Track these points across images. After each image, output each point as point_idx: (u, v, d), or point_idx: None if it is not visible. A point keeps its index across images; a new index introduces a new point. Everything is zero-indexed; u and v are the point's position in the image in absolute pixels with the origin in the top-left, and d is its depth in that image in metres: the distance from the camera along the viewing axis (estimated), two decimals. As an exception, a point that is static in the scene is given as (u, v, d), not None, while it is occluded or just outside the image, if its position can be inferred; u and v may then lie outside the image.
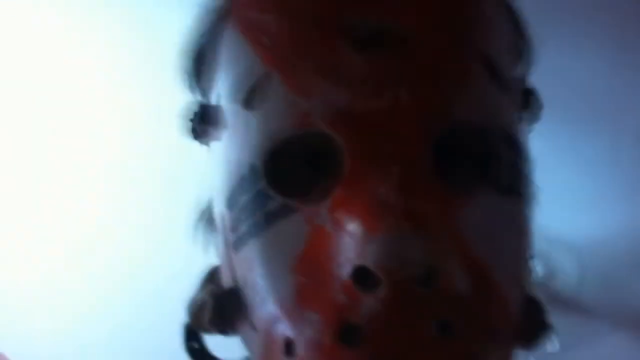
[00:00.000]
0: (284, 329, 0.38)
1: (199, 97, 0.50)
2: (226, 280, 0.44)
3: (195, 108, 0.48)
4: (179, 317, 0.46)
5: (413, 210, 0.35)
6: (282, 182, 0.40)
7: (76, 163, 1.22)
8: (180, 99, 0.50)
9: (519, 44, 0.48)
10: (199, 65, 0.49)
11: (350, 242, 0.36)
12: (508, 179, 0.41)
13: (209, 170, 0.48)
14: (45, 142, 1.20)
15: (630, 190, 1.16)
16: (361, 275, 0.35)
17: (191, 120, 0.48)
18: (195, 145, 0.49)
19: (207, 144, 0.48)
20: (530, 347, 0.42)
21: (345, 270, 0.36)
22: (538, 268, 0.44)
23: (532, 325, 0.42)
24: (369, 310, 0.35)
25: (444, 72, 0.40)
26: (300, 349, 0.37)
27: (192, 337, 0.47)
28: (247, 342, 0.44)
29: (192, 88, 0.50)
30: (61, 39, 1.09)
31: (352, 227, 0.36)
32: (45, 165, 1.22)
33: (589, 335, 1.18)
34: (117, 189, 1.23)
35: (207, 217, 0.50)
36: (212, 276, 0.47)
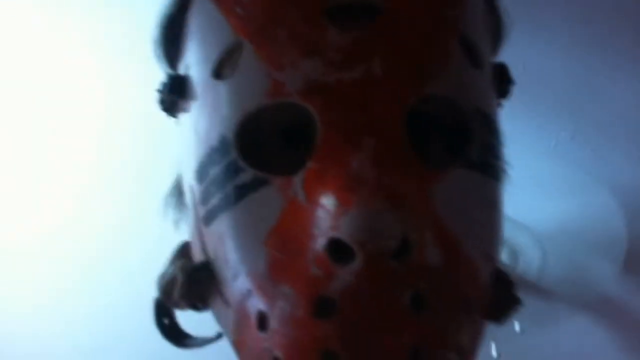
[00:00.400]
0: (257, 303, 0.38)
1: (168, 68, 0.48)
2: (197, 255, 0.44)
3: (163, 79, 0.46)
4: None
5: (387, 183, 0.35)
6: (254, 154, 0.40)
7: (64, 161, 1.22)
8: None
9: (494, 23, 0.48)
10: (168, 33, 0.48)
11: (325, 215, 0.36)
12: (481, 155, 0.41)
13: (177, 144, 0.46)
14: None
15: (590, 178, 1.19)
16: (335, 248, 0.35)
17: (159, 91, 0.46)
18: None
19: (175, 116, 0.47)
20: (500, 320, 0.42)
21: (319, 243, 0.36)
22: (502, 255, 0.44)
23: (502, 299, 0.42)
24: (343, 283, 0.35)
25: (419, 45, 0.40)
26: (274, 322, 0.37)
27: (163, 312, 0.47)
28: (219, 317, 0.43)
29: (160, 58, 0.49)
30: (60, 39, 1.08)
31: (326, 200, 0.36)
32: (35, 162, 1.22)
33: (551, 318, 1.20)
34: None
35: (177, 193, 0.49)
36: (183, 251, 0.46)
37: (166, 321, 0.47)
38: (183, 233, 0.47)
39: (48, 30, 1.07)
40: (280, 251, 0.38)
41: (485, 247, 0.41)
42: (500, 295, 0.42)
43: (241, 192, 0.39)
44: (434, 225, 0.37)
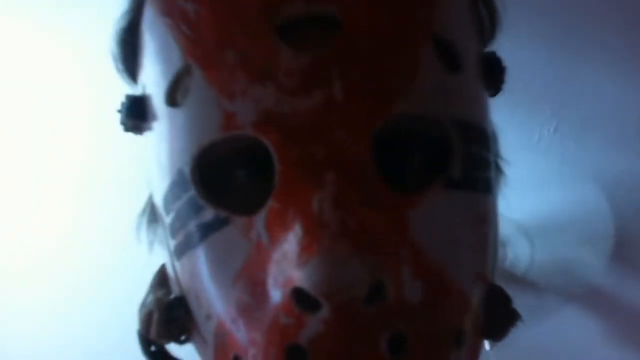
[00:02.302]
0: (232, 347, 0.36)
1: (130, 82, 0.45)
2: (173, 286, 0.41)
3: (123, 99, 0.42)
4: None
5: (351, 225, 0.32)
6: (215, 190, 0.37)
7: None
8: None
9: (480, 12, 0.43)
10: (124, 47, 0.44)
11: (287, 262, 0.33)
12: (464, 169, 0.37)
13: (145, 164, 0.43)
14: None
15: (575, 170, 1.19)
16: (301, 297, 0.32)
17: (119, 112, 0.42)
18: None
19: (140, 134, 0.43)
20: (498, 337, 0.39)
21: (284, 291, 0.33)
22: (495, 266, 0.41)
23: (499, 315, 0.39)
24: (312, 332, 0.32)
25: (384, 60, 0.35)
26: None
27: (148, 342, 0.44)
28: (199, 352, 0.41)
29: (121, 72, 0.45)
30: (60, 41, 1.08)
31: (288, 245, 0.33)
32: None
33: (541, 311, 1.21)
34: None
35: (149, 212, 0.46)
36: (162, 277, 0.44)
37: (153, 349, 0.44)
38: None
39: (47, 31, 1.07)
40: (249, 295, 0.35)
41: (477, 267, 0.37)
42: (497, 312, 0.38)
43: (204, 232, 0.36)
44: (413, 257, 0.34)
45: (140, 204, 0.47)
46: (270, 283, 0.34)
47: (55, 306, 1.35)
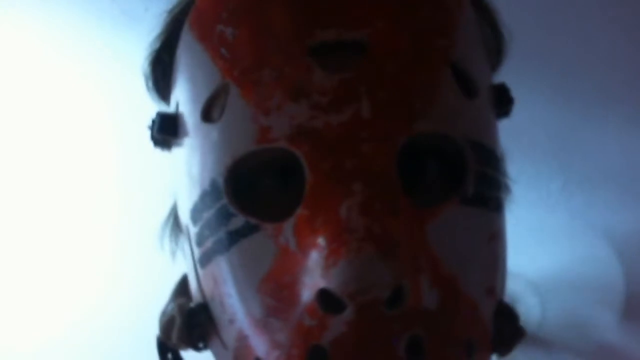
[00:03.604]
0: (253, 349, 0.38)
1: (159, 101, 0.48)
2: (194, 293, 0.44)
3: (154, 116, 0.45)
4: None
5: (377, 231, 0.35)
6: (245, 199, 0.39)
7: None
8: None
9: (492, 42, 0.47)
10: (156, 67, 0.48)
11: (315, 265, 0.35)
12: (477, 188, 0.40)
13: (172, 176, 0.46)
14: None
15: (585, 226, 1.19)
16: (326, 299, 0.35)
17: (150, 128, 0.45)
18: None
19: (169, 150, 0.46)
20: (504, 353, 0.42)
21: (310, 293, 0.35)
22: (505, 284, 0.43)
23: (506, 332, 0.41)
24: (336, 333, 0.35)
25: (407, 82, 0.38)
26: None
27: (166, 348, 0.46)
28: (218, 358, 0.43)
29: (151, 91, 0.49)
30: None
31: (316, 249, 0.35)
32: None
33: None
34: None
35: (172, 222, 0.48)
36: (183, 287, 0.46)
37: (170, 356, 0.46)
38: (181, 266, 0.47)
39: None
40: (274, 298, 0.37)
41: (487, 282, 0.40)
42: (505, 328, 0.41)
43: (233, 238, 0.39)
44: (430, 266, 0.37)
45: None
46: (297, 286, 0.36)
47: None
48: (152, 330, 0.46)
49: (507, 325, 0.41)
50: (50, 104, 1.18)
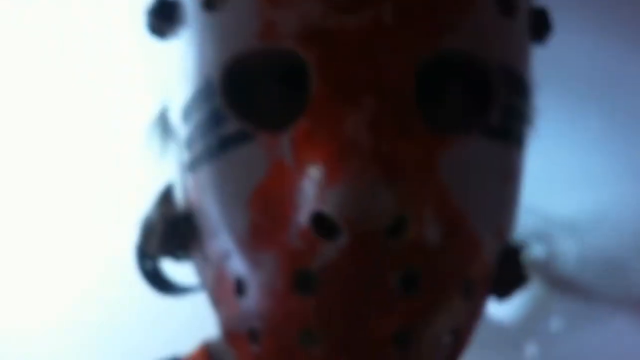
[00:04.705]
0: (236, 267, 0.36)
1: None
2: (180, 201, 0.41)
3: (152, 2, 0.42)
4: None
5: (384, 151, 0.32)
6: (240, 103, 0.36)
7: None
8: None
9: None
10: None
11: (311, 184, 0.33)
12: (502, 119, 0.37)
13: (166, 69, 0.43)
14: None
15: (630, 169, 1.15)
16: (320, 222, 0.32)
17: (147, 13, 0.42)
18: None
19: (165, 40, 0.43)
20: (502, 297, 0.40)
21: (303, 214, 0.33)
22: (538, 249, 0.41)
23: (508, 276, 0.40)
24: (326, 259, 0.33)
25: None
26: (252, 290, 0.35)
27: (145, 258, 0.44)
28: (198, 270, 0.41)
29: None
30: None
31: (314, 166, 0.33)
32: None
33: (590, 318, 1.16)
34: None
35: (162, 123, 0.45)
36: (167, 195, 0.43)
37: (149, 266, 0.45)
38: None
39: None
40: (263, 215, 0.35)
41: (495, 222, 0.38)
42: (508, 272, 0.39)
43: (224, 144, 0.36)
44: (437, 198, 0.34)
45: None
46: (289, 205, 0.34)
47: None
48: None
49: (511, 269, 0.40)
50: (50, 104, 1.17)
